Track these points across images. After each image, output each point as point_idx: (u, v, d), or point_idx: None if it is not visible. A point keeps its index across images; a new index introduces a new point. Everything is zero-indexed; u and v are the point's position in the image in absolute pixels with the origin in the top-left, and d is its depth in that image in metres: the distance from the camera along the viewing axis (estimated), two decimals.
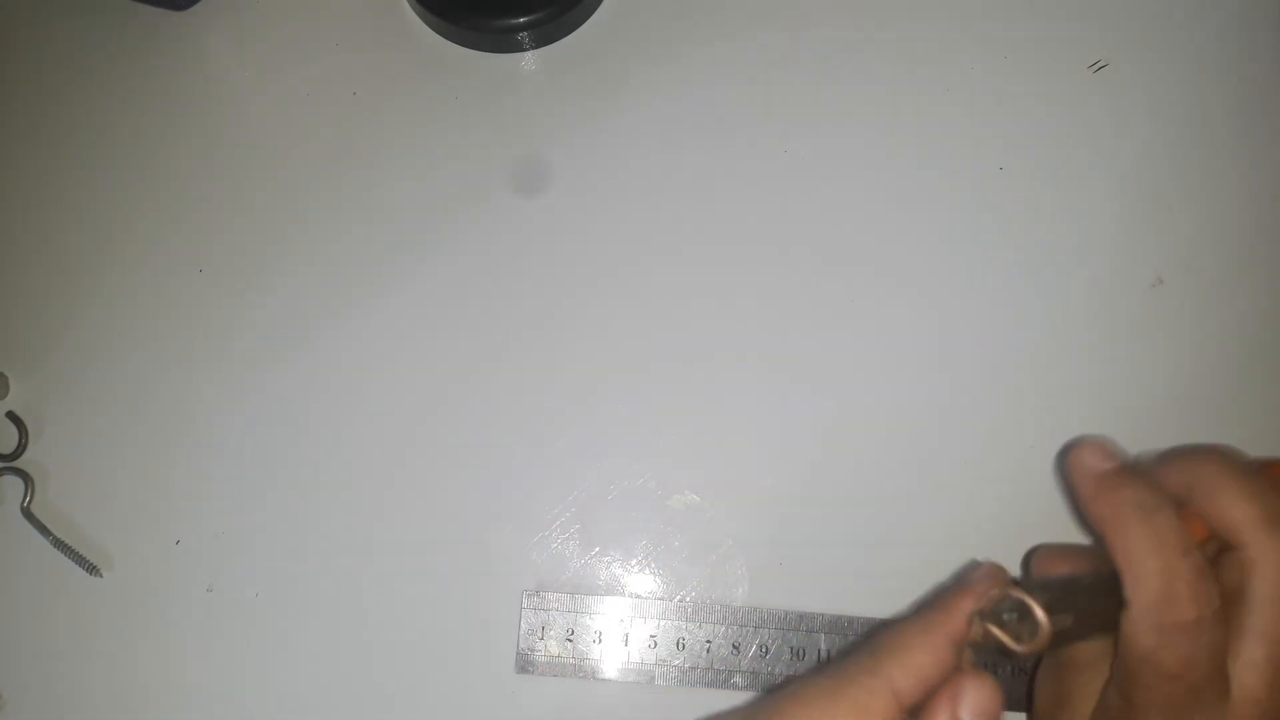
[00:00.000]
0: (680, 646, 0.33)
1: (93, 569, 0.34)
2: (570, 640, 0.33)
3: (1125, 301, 0.35)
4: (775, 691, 0.24)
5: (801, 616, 0.33)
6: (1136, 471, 0.27)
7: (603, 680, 0.33)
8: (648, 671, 0.32)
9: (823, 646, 0.32)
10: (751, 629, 0.33)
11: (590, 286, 0.36)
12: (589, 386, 0.35)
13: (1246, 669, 0.24)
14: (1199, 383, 0.35)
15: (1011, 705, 0.31)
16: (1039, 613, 0.22)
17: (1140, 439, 0.33)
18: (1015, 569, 0.32)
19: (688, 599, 0.33)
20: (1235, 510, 0.25)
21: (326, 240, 0.36)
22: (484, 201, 0.37)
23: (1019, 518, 0.33)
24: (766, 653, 0.32)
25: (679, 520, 0.34)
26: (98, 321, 0.36)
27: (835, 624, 0.33)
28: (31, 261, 0.37)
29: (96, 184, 0.37)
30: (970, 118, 0.37)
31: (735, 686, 0.32)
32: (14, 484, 0.34)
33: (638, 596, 0.33)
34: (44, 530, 0.34)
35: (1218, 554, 0.26)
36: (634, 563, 0.34)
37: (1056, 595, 0.23)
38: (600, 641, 0.33)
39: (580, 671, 0.33)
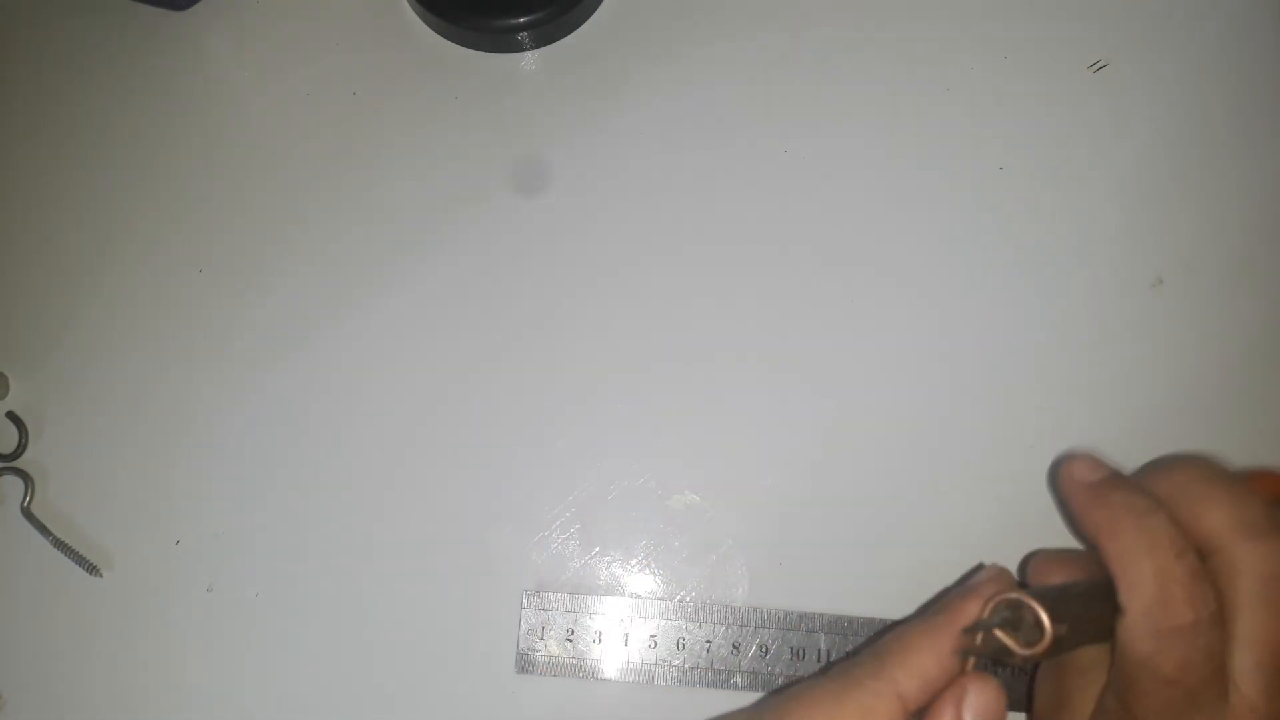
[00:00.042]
0: (680, 646, 0.33)
1: (93, 569, 0.34)
2: (570, 640, 0.33)
3: (1125, 301, 0.35)
4: (779, 693, 0.24)
5: (801, 616, 0.33)
6: (1126, 479, 0.27)
7: (603, 680, 0.33)
8: (648, 671, 0.32)
9: (823, 646, 0.32)
10: (751, 629, 0.33)
11: (590, 286, 0.36)
12: (589, 386, 0.35)
13: (1240, 676, 0.24)
14: (1199, 383, 0.35)
15: (1012, 705, 0.31)
16: (1044, 617, 0.22)
17: (1140, 439, 0.33)
18: (1015, 570, 0.32)
19: (688, 599, 0.33)
20: (1213, 516, 0.25)
21: (326, 240, 0.36)
22: (484, 201, 0.37)
23: (1019, 518, 0.33)
24: (766, 653, 0.32)
25: (679, 520, 0.34)
26: (98, 321, 0.36)
27: (835, 624, 0.33)
28: (31, 261, 0.37)
29: (96, 184, 0.37)
30: (970, 118, 0.37)
31: (735, 686, 0.32)
32: (14, 484, 0.34)
33: (638, 596, 0.33)
34: (44, 530, 0.34)
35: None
36: (634, 563, 0.34)
37: (1056, 601, 0.23)
38: (600, 641, 0.33)
39: (580, 671, 0.33)
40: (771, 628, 0.33)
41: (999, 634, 0.23)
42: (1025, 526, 0.33)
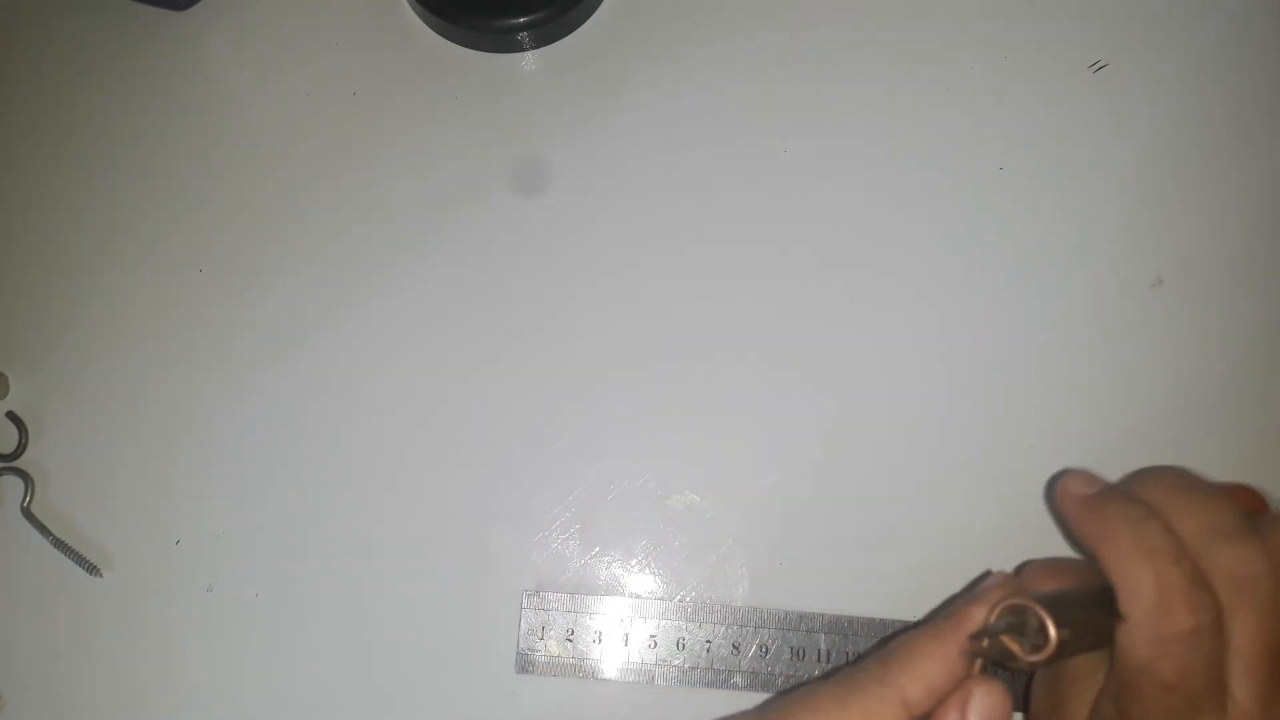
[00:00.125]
0: (680, 646, 0.33)
1: (93, 569, 0.34)
2: (570, 640, 0.33)
3: (1125, 301, 0.35)
4: (783, 696, 0.24)
5: (801, 616, 0.33)
6: (1122, 491, 0.27)
7: (603, 680, 0.33)
8: (648, 671, 0.32)
9: (823, 646, 0.32)
10: (751, 629, 0.33)
11: (590, 286, 0.36)
12: (589, 386, 0.35)
13: (1234, 682, 0.24)
14: (1199, 383, 0.35)
15: (1012, 706, 0.31)
16: (1049, 622, 0.22)
17: (1140, 439, 0.33)
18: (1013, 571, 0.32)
19: (688, 599, 0.33)
20: (1187, 523, 0.25)
21: (326, 240, 0.36)
22: (484, 201, 0.37)
23: (1019, 518, 0.33)
24: (766, 653, 0.32)
25: (679, 520, 0.34)
26: (98, 321, 0.36)
27: (835, 624, 0.33)
28: (31, 261, 0.37)
29: (96, 184, 0.37)
30: (970, 118, 0.37)
31: (735, 686, 0.32)
32: (14, 484, 0.34)
33: (638, 596, 0.33)
34: (44, 530, 0.34)
35: None
36: (634, 563, 0.34)
37: (1059, 607, 0.23)
38: (600, 641, 0.33)
39: (580, 671, 0.33)
40: (771, 628, 0.33)
41: (1004, 639, 0.23)
42: (1025, 526, 0.33)
